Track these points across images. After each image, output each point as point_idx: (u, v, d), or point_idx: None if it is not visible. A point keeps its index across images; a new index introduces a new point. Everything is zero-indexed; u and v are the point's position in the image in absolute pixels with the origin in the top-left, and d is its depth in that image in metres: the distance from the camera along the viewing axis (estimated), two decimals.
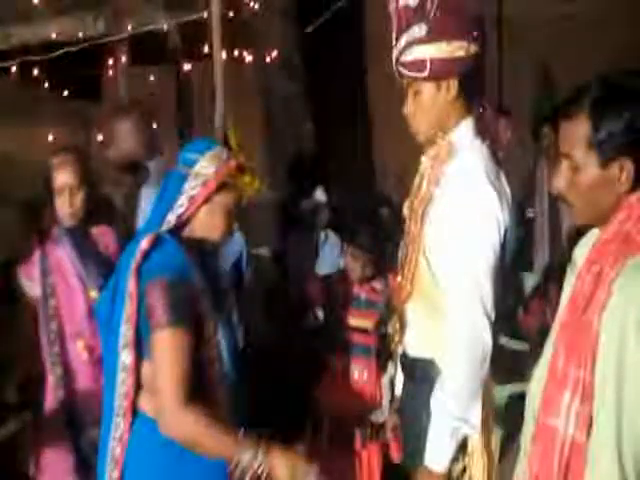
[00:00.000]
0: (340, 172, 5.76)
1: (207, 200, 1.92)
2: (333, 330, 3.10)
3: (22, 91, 6.01)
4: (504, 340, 3.47)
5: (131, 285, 1.81)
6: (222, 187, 1.93)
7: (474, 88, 2.08)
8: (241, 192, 1.98)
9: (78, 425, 2.53)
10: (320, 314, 3.41)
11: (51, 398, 2.54)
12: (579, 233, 1.76)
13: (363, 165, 6.52)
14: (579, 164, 1.53)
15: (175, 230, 1.91)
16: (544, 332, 1.97)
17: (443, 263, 2.04)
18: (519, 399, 3.49)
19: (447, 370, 2.01)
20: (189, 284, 1.82)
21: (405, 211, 2.24)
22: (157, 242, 1.85)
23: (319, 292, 3.46)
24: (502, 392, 3.50)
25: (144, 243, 1.84)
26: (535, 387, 1.70)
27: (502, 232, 2.03)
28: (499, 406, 3.45)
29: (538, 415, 1.61)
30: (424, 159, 2.16)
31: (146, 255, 1.83)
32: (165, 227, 1.90)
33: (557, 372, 1.56)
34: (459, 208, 1.98)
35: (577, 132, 1.53)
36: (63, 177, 2.54)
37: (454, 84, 2.02)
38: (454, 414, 1.99)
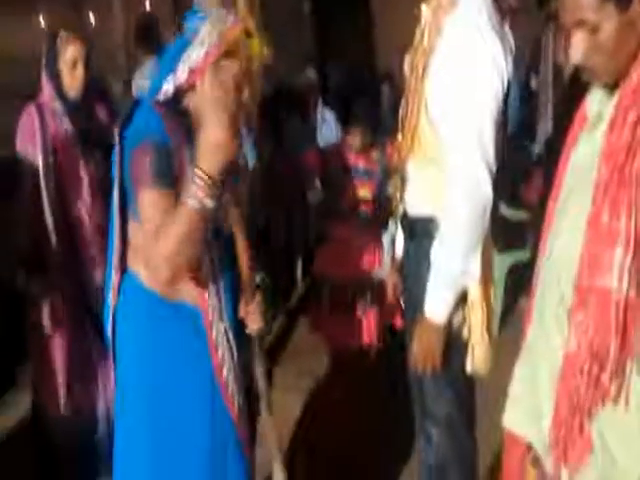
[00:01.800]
0: (341, 49, 5.61)
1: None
2: (333, 200, 3.11)
3: None
4: (504, 210, 3.48)
5: (116, 150, 1.83)
6: (227, 54, 1.79)
7: None
8: (249, 60, 1.83)
9: (83, 288, 2.63)
10: (319, 186, 3.39)
11: (54, 265, 2.60)
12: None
13: (365, 42, 6.35)
14: (597, 23, 1.45)
15: (174, 100, 1.82)
16: (544, 202, 1.96)
17: (444, 115, 2.00)
18: (519, 267, 3.56)
19: (447, 221, 2.01)
20: (168, 149, 1.76)
21: (406, 66, 2.18)
22: (137, 107, 1.82)
23: (318, 164, 3.44)
24: (502, 261, 3.54)
25: (126, 108, 1.83)
26: (562, 253, 1.62)
27: (505, 82, 1.98)
28: (499, 274, 3.50)
29: (580, 279, 1.53)
30: (425, 9, 2.08)
31: (127, 121, 1.81)
32: (163, 96, 1.82)
33: (601, 229, 1.48)
34: (461, 56, 1.93)
35: None
36: (76, 49, 2.57)
37: None
38: (454, 264, 2.00)
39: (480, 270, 2.06)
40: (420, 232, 2.12)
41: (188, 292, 1.86)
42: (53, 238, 2.56)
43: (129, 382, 1.94)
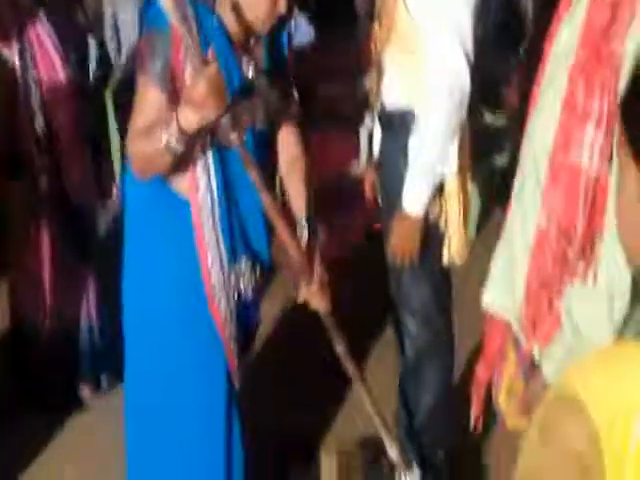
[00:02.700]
0: None
1: None
2: (307, 100, 3.06)
3: None
4: (485, 115, 3.45)
5: None
6: None
7: None
8: None
9: (65, 194, 2.58)
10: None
11: (34, 168, 2.54)
12: None
13: None
14: None
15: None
16: (524, 107, 1.94)
17: (423, 4, 1.96)
18: (497, 173, 3.56)
19: (425, 112, 1.99)
20: (170, 43, 1.71)
21: None
22: None
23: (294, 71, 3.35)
24: (481, 167, 3.53)
25: None
26: (540, 132, 1.62)
27: None
28: (478, 179, 3.50)
29: (554, 156, 1.55)
30: None
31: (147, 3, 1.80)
32: None
33: (577, 107, 1.50)
34: None
35: None
36: None
37: None
38: (431, 155, 2.00)
39: (457, 161, 2.06)
40: (397, 125, 2.10)
41: (177, 184, 1.84)
42: (31, 140, 2.50)
43: (126, 251, 1.98)
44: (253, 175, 1.78)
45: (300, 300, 1.95)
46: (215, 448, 2.06)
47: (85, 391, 2.79)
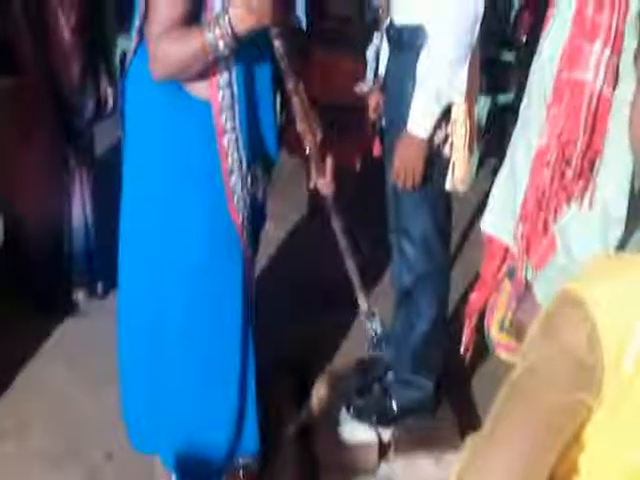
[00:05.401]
0: None
1: None
2: (316, 24, 2.99)
3: None
4: (492, 51, 3.38)
5: None
6: None
7: None
8: None
9: (58, 89, 2.50)
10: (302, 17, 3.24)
11: (27, 63, 2.45)
12: None
13: None
14: None
15: None
16: (534, 42, 1.90)
17: None
18: (502, 110, 3.51)
19: (436, 33, 1.95)
20: None
21: None
22: None
23: None
24: (485, 102, 3.48)
25: None
26: (548, 51, 1.63)
27: None
28: (481, 117, 3.46)
29: (559, 73, 1.57)
30: None
31: None
32: None
33: (585, 23, 1.50)
34: None
35: None
36: None
37: None
38: (440, 75, 1.97)
39: (466, 87, 2.01)
40: (406, 42, 2.06)
41: (197, 88, 1.79)
42: (24, 34, 2.39)
43: (133, 154, 1.94)
44: (284, 65, 1.77)
45: (311, 186, 2.06)
46: (230, 355, 2.05)
47: (79, 296, 2.77)
